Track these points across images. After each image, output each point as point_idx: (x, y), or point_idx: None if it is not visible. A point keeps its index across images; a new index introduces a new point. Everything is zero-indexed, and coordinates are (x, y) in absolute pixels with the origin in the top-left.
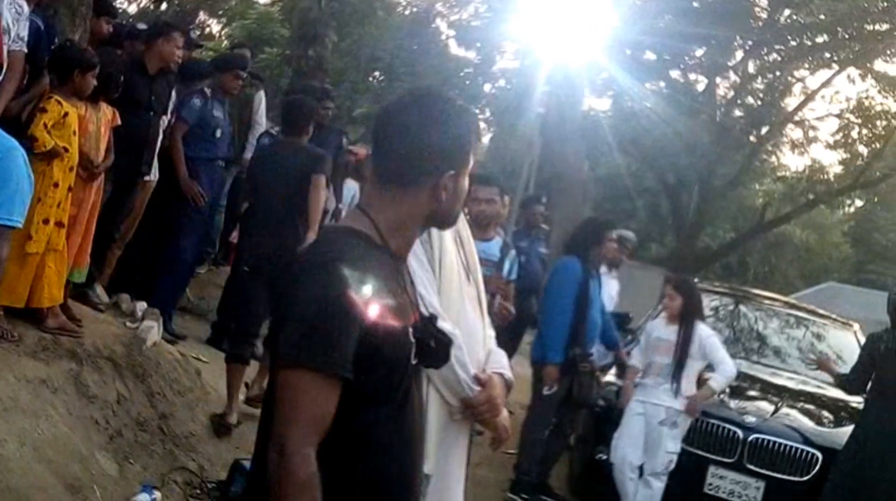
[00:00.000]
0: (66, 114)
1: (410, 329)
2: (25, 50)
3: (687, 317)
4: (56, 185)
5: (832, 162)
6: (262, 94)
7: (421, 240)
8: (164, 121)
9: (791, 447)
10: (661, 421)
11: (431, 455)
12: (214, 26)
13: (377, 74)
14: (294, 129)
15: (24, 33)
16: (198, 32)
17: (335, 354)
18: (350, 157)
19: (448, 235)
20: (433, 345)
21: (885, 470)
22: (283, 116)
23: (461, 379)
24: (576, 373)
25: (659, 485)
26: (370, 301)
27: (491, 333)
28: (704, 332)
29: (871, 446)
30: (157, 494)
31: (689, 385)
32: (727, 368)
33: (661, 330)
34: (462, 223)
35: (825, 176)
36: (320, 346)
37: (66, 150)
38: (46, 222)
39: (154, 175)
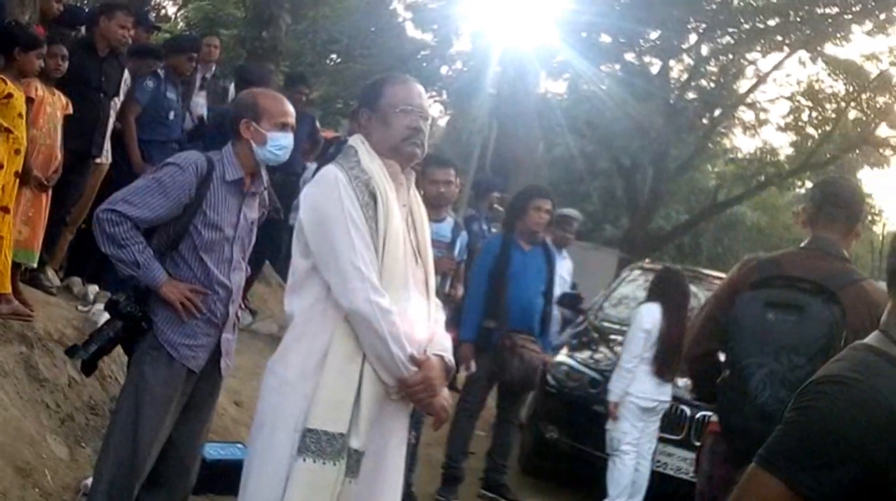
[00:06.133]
0: (9, 94)
1: None
2: None
3: None
4: (0, 166)
5: (783, 144)
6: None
7: (367, 216)
8: (116, 102)
9: None
10: None
11: (363, 432)
12: (170, 8)
13: (334, 56)
14: None
15: None
16: (153, 14)
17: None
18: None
19: (397, 215)
20: None
21: None
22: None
23: (395, 357)
24: (490, 350)
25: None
26: None
27: (440, 316)
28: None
29: None
30: None
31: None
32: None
33: None
34: (417, 205)
35: (776, 158)
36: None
37: (10, 131)
38: None
39: (106, 157)
